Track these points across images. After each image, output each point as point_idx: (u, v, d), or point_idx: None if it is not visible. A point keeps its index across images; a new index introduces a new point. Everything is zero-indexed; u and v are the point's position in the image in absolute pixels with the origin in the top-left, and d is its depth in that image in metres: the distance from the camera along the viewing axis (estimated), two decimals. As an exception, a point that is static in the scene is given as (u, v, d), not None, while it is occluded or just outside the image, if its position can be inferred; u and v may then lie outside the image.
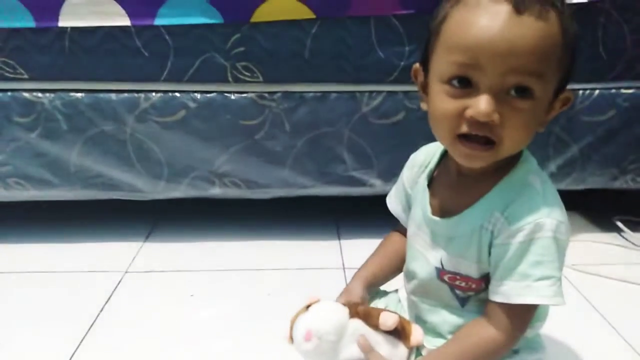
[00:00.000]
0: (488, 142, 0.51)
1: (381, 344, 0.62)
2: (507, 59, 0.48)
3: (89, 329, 0.86)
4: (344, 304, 0.64)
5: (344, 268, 1.06)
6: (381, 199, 1.18)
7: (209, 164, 1.08)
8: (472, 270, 0.59)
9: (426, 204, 0.63)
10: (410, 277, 0.66)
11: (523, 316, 0.56)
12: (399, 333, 0.62)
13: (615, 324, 0.87)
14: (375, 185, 1.11)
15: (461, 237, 0.58)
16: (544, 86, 0.50)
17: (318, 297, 0.66)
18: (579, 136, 1.07)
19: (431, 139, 1.06)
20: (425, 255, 0.63)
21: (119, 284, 1.00)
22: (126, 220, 1.24)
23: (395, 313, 0.63)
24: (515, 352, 0.61)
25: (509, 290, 0.55)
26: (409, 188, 0.68)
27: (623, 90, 1.05)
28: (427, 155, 0.66)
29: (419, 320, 0.67)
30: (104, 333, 0.85)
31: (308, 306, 0.63)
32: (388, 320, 0.60)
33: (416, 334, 0.62)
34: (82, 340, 0.83)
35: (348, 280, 1.00)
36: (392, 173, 1.10)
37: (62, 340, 0.82)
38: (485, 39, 0.48)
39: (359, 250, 1.11)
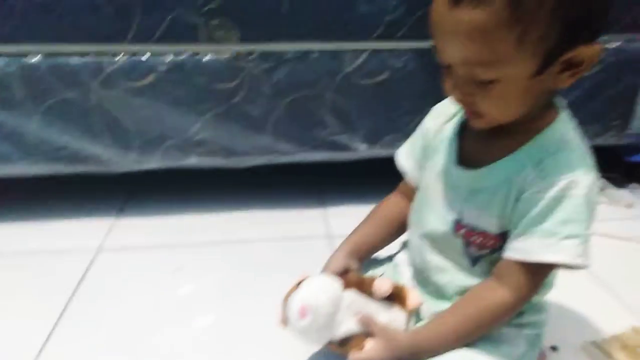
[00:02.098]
0: (478, 112, 0.52)
1: (379, 311, 0.60)
2: (452, 51, 0.49)
3: (62, 312, 0.80)
4: (335, 276, 0.61)
5: (329, 237, 1.02)
6: (365, 164, 1.15)
7: (183, 132, 1.01)
8: (492, 225, 0.56)
9: (452, 153, 0.60)
10: (420, 230, 0.63)
11: (538, 276, 0.54)
12: (395, 298, 0.60)
13: (606, 280, 0.87)
14: (360, 149, 1.06)
15: (487, 189, 0.56)
16: (504, 69, 0.47)
17: (308, 274, 0.63)
18: (568, 90, 1.05)
19: (416, 99, 1.04)
20: (442, 208, 0.60)
21: (92, 262, 0.93)
22: (95, 195, 1.17)
23: (389, 279, 0.61)
24: (520, 313, 0.59)
25: (531, 247, 0.52)
26: (431, 138, 0.64)
27: (609, 45, 1.03)
28: (454, 106, 0.62)
29: (423, 281, 0.64)
30: (79, 316, 0.80)
31: (299, 284, 0.61)
32: (383, 286, 0.59)
33: (413, 296, 0.60)
34: (55, 324, 0.77)
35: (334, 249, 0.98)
36: (376, 136, 1.06)
37: (35, 325, 0.77)
38: (434, 31, 0.50)
39: (344, 218, 1.08)
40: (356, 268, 0.66)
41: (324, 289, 0.58)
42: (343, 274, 0.63)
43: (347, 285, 0.60)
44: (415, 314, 0.62)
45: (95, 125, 0.99)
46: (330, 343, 0.59)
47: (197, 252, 0.98)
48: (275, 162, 1.08)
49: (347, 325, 0.58)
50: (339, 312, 0.58)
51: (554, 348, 0.70)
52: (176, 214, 1.11)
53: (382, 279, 0.60)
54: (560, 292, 0.62)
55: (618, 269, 0.90)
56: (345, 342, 0.58)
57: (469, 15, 0.45)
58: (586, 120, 1.10)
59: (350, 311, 0.58)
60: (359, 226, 0.70)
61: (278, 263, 0.93)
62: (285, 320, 0.60)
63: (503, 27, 0.45)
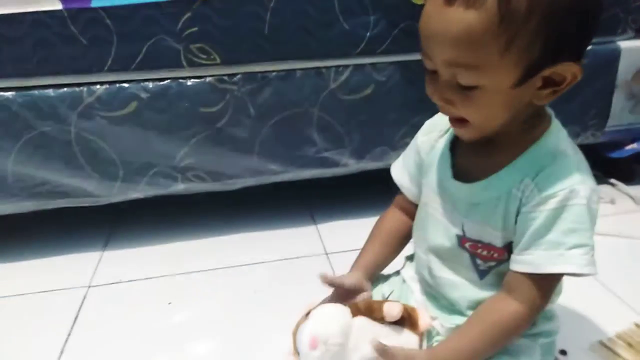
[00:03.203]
0: (462, 119, 0.53)
1: (390, 336, 0.59)
2: (439, 51, 0.49)
3: (62, 351, 0.76)
4: (344, 304, 0.60)
5: (326, 253, 1.02)
6: (353, 178, 1.15)
7: (169, 158, 0.99)
8: (496, 238, 0.56)
9: (447, 168, 0.60)
10: (426, 246, 0.63)
11: (548, 287, 0.54)
12: (405, 321, 0.59)
13: (596, 276, 0.89)
14: (349, 164, 1.06)
15: (486, 203, 0.56)
16: (486, 75, 0.48)
17: (315, 302, 0.62)
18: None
19: (401, 111, 1.05)
20: (445, 222, 0.60)
21: (84, 300, 0.90)
22: (80, 229, 1.13)
23: (398, 302, 0.60)
24: (533, 323, 0.59)
25: (538, 260, 0.52)
26: (425, 154, 0.64)
27: (582, 47, 1.06)
28: (446, 120, 0.61)
29: (434, 297, 0.64)
30: (78, 353, 0.76)
31: (307, 314, 0.59)
32: (393, 310, 0.57)
33: (424, 318, 0.59)
34: (54, 368, 0.74)
35: (334, 266, 0.97)
36: (365, 150, 1.06)
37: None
38: (423, 32, 0.50)
39: (337, 233, 1.09)
40: (369, 288, 0.65)
41: (334, 319, 0.57)
42: (351, 298, 0.62)
43: (356, 312, 0.59)
44: (427, 334, 0.61)
45: (76, 158, 0.96)
46: None
47: (190, 279, 0.95)
48: (264, 183, 1.06)
49: (361, 352, 0.57)
50: (350, 341, 0.57)
51: (563, 352, 0.71)
52: (165, 243, 1.08)
53: (392, 304, 0.58)
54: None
55: (610, 265, 0.91)
56: None
57: (461, 15, 0.46)
58: (565, 121, 1.11)
59: (362, 338, 0.57)
60: (365, 246, 0.69)
61: (276, 286, 0.92)
62: (295, 352, 0.59)
63: (491, 33, 0.46)
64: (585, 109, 1.12)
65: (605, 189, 1.19)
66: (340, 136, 1.03)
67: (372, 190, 1.07)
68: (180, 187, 1.02)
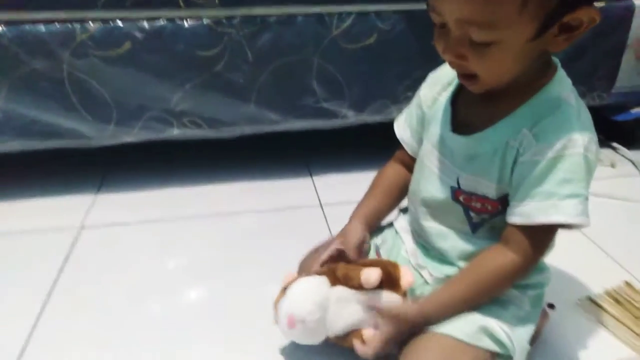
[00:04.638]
0: (472, 75, 0.51)
1: (370, 302, 0.58)
2: (451, 9, 0.47)
3: (50, 292, 0.77)
4: (321, 273, 0.59)
5: (321, 205, 1.01)
6: (351, 131, 1.13)
7: (164, 102, 0.97)
8: (490, 190, 0.55)
9: (447, 121, 0.58)
10: (418, 199, 0.62)
11: (543, 238, 0.54)
12: (386, 283, 0.58)
13: (594, 237, 0.89)
14: (348, 116, 1.04)
15: (483, 155, 0.55)
16: (503, 32, 0.46)
17: (293, 274, 0.62)
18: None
19: (405, 63, 1.02)
20: (440, 175, 0.59)
21: (75, 241, 0.89)
22: (73, 171, 1.11)
23: (376, 268, 0.57)
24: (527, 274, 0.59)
25: (531, 211, 0.51)
26: (427, 107, 0.63)
27: (595, 3, 1.02)
28: (450, 73, 0.60)
29: (424, 247, 0.63)
30: (67, 295, 0.77)
31: (284, 288, 0.59)
32: (370, 278, 0.57)
33: (405, 277, 0.59)
34: (44, 306, 0.74)
35: (328, 218, 0.97)
36: (365, 103, 1.04)
37: (23, 307, 0.73)
38: None
39: (332, 186, 1.08)
40: (367, 239, 0.65)
41: (309, 295, 0.57)
42: (329, 268, 0.61)
43: (334, 281, 0.58)
44: (410, 292, 0.60)
45: (69, 98, 0.93)
46: (327, 339, 0.58)
47: (183, 225, 0.95)
48: (261, 132, 1.04)
49: (340, 322, 0.57)
50: (329, 312, 0.57)
51: (551, 306, 0.71)
52: (159, 188, 1.07)
53: (369, 270, 0.57)
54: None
55: (605, 226, 0.91)
56: (342, 336, 0.58)
57: None
58: (571, 81, 1.11)
59: (341, 307, 0.57)
60: (365, 198, 0.69)
61: (269, 234, 0.92)
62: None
63: None
64: (593, 68, 1.09)
65: (606, 152, 1.18)
66: (341, 87, 1.01)
67: (369, 145, 1.06)
68: (175, 133, 1.00)
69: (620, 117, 1.16)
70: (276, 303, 0.60)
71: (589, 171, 0.51)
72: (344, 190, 0.97)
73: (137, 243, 0.89)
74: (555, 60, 0.55)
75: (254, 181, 1.09)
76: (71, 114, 0.95)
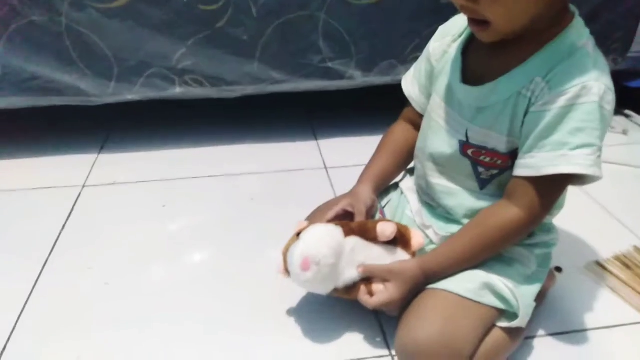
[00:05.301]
0: (483, 21, 0.48)
1: (382, 255, 0.58)
2: None
3: (53, 249, 0.76)
4: (336, 224, 0.58)
5: (325, 168, 0.99)
6: (356, 93, 1.11)
7: (165, 59, 0.94)
8: (500, 143, 0.53)
9: (457, 72, 0.56)
10: (426, 155, 0.61)
11: (550, 193, 0.52)
12: (398, 241, 0.58)
13: (604, 203, 0.87)
14: (355, 77, 1.01)
15: (494, 105, 0.52)
16: None
17: (306, 222, 0.61)
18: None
19: (414, 21, 0.98)
20: (448, 128, 0.57)
21: (78, 198, 0.88)
22: (77, 131, 1.10)
23: (392, 221, 0.58)
24: (532, 233, 0.58)
25: (540, 162, 0.49)
26: (436, 61, 0.60)
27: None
28: (460, 24, 0.58)
29: (430, 205, 0.62)
30: (69, 252, 0.76)
31: (298, 234, 0.58)
32: (386, 230, 0.56)
33: (416, 238, 0.58)
34: (46, 261, 0.74)
35: (332, 180, 0.95)
36: (372, 63, 1.01)
37: (26, 263, 0.73)
38: None
39: (337, 149, 1.06)
40: (376, 200, 0.64)
41: (326, 240, 0.56)
42: (345, 218, 0.61)
43: (349, 232, 0.58)
44: (419, 252, 0.60)
45: (68, 52, 0.91)
46: (335, 290, 0.57)
47: (186, 185, 0.94)
48: (265, 92, 1.02)
49: (351, 273, 0.56)
50: (342, 260, 0.56)
51: (558, 269, 0.70)
52: (163, 148, 1.05)
53: (385, 223, 0.57)
54: (561, 215, 0.61)
55: (616, 193, 0.90)
56: (351, 288, 0.57)
57: None
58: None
59: (354, 258, 0.57)
60: (373, 158, 0.67)
61: (273, 195, 0.90)
62: (286, 271, 0.58)
63: None
64: (609, 30, 1.05)
65: (618, 119, 1.15)
66: (347, 45, 0.98)
67: (375, 109, 1.04)
68: (177, 91, 0.98)
69: (634, 84, 1.13)
70: (286, 250, 0.59)
71: (604, 121, 0.49)
72: (348, 154, 0.96)
73: (139, 202, 0.88)
74: (573, 8, 0.52)
75: (258, 143, 1.08)
76: (71, 70, 0.93)
